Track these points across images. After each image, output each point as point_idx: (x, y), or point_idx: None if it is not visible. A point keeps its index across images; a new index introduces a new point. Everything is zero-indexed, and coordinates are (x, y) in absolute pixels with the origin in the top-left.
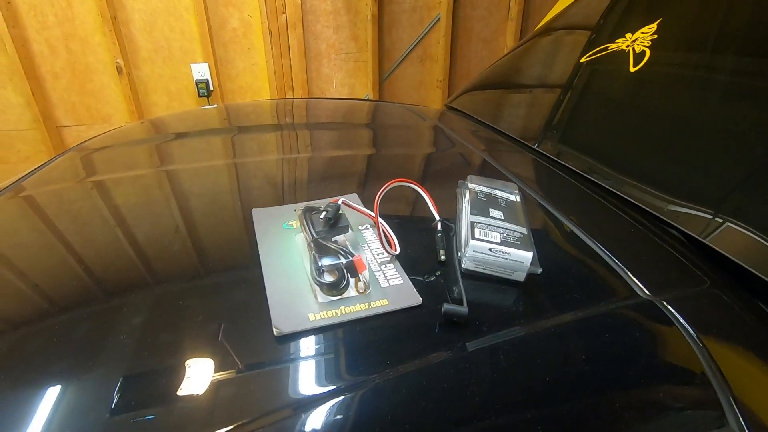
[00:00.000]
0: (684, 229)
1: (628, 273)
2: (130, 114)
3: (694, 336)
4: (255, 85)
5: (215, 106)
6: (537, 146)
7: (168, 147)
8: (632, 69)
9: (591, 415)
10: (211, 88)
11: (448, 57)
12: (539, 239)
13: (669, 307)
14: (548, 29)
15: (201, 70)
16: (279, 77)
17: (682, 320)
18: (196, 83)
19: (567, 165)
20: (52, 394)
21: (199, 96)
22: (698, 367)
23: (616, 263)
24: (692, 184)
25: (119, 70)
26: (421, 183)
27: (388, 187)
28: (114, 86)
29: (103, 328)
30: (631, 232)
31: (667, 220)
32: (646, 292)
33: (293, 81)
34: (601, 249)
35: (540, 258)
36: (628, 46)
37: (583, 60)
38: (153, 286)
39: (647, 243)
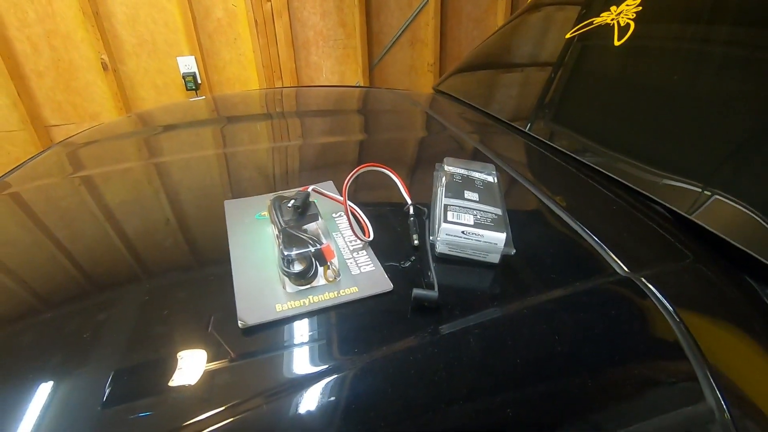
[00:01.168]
0: (669, 205)
1: (608, 251)
2: (117, 110)
3: (672, 311)
4: (243, 76)
5: (203, 98)
6: (520, 126)
7: (146, 140)
8: (617, 43)
9: (567, 394)
10: (199, 81)
11: (438, 39)
12: (516, 220)
13: (647, 283)
14: (536, 5)
15: (187, 63)
16: (267, 67)
17: (660, 296)
18: (183, 76)
19: (549, 143)
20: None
21: (187, 89)
22: (675, 342)
23: (596, 241)
24: (677, 158)
25: (104, 66)
26: (402, 167)
27: (357, 173)
28: (100, 83)
29: (63, 325)
30: (613, 209)
31: (652, 197)
32: (625, 269)
33: (282, 70)
34: (580, 227)
35: (516, 238)
36: (612, 19)
37: (568, 36)
38: (119, 281)
39: (629, 220)
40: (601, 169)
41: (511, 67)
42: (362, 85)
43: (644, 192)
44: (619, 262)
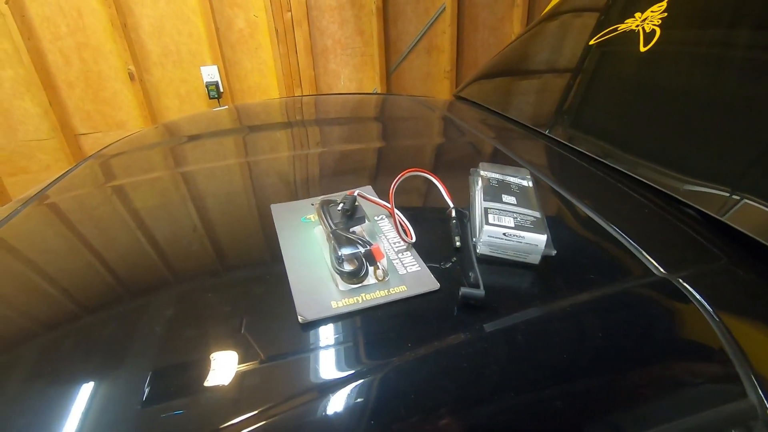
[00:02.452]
0: (700, 208)
1: (643, 252)
2: (143, 119)
3: (712, 312)
4: (263, 84)
5: (226, 107)
6: (548, 132)
7: (184, 150)
8: (642, 49)
9: (610, 394)
10: (221, 90)
11: (454, 46)
12: (553, 222)
13: (685, 284)
14: (555, 13)
15: (210, 73)
16: (287, 75)
17: (698, 297)
18: (206, 85)
19: (579, 149)
20: (88, 388)
21: (210, 98)
22: (716, 343)
23: (631, 243)
24: (707, 162)
25: (131, 77)
26: (436, 172)
27: (403, 177)
28: (127, 92)
29: (134, 324)
30: (645, 212)
31: (683, 200)
32: (662, 270)
33: (301, 78)
34: (615, 230)
35: (554, 241)
36: (637, 26)
37: (592, 42)
38: (182, 282)
39: (662, 222)
40: (631, 174)
41: (534, 74)
42: (379, 91)
43: (674, 195)
44: (654, 263)
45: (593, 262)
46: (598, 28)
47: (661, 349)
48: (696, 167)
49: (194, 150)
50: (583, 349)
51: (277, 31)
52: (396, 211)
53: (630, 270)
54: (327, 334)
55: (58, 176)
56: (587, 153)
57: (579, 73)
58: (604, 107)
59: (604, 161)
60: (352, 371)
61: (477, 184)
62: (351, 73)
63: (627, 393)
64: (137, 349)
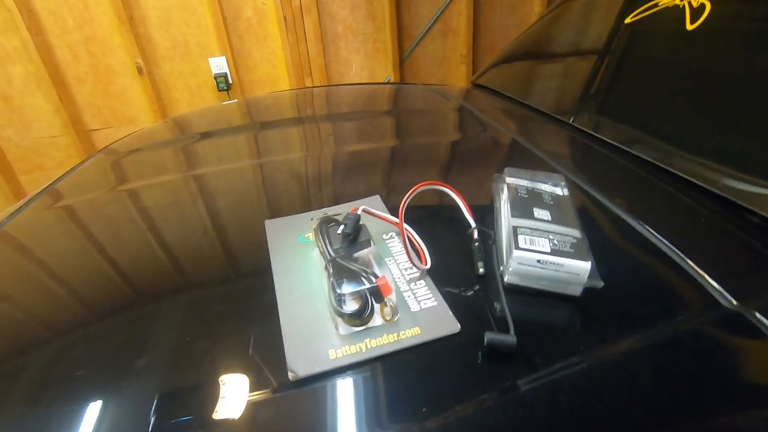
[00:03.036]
0: None
1: (708, 278)
2: (153, 114)
3: None
4: (273, 74)
5: (235, 101)
6: (581, 125)
7: (186, 150)
8: (689, 27)
9: None
10: (230, 82)
11: (471, 29)
12: (593, 240)
13: (763, 318)
14: None
15: (219, 64)
16: (297, 64)
17: None
18: (215, 77)
19: (623, 147)
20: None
21: (219, 90)
22: None
23: (693, 267)
24: None
25: (140, 71)
26: (452, 177)
27: (415, 193)
28: (136, 87)
29: (101, 362)
30: (708, 226)
31: (755, 210)
32: (733, 301)
33: (311, 67)
34: (672, 249)
35: (599, 264)
36: (682, 0)
37: (628, 21)
38: (155, 315)
39: (729, 239)
40: (687, 177)
41: (562, 58)
42: (392, 79)
43: (743, 204)
44: (724, 292)
45: (647, 292)
46: (635, 3)
47: (735, 399)
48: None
49: (195, 151)
50: (640, 406)
51: (285, 18)
52: (408, 230)
53: (694, 302)
54: (322, 394)
55: (63, 173)
56: (633, 152)
57: (617, 57)
58: (651, 97)
59: (655, 162)
60: None
61: (502, 194)
62: (363, 61)
63: None
64: (94, 389)
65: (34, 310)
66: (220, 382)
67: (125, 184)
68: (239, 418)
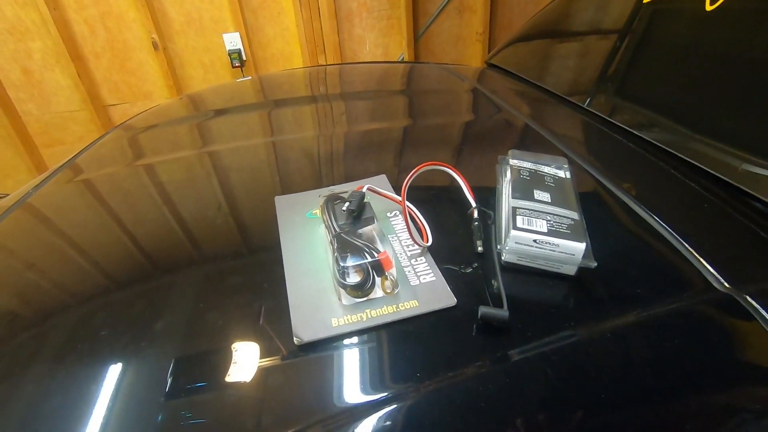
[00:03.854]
0: None
1: (703, 261)
2: (168, 89)
3: None
4: (287, 51)
5: (249, 78)
6: (593, 108)
7: (201, 128)
8: (709, 7)
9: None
10: (244, 58)
11: (488, 6)
12: (593, 222)
13: (753, 302)
14: None
15: (233, 40)
16: (310, 41)
17: None
18: (229, 53)
19: (630, 130)
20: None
21: (233, 67)
22: None
23: (688, 250)
24: None
25: (155, 46)
26: (459, 157)
27: (417, 173)
28: (152, 62)
29: (120, 329)
30: (708, 210)
31: (757, 195)
32: (726, 284)
33: (325, 44)
34: (669, 232)
35: (596, 246)
36: None
37: (646, 0)
38: (170, 285)
39: (728, 223)
40: (694, 162)
41: (578, 38)
42: (406, 58)
43: (748, 190)
44: (717, 275)
45: (641, 273)
46: None
47: (723, 382)
48: None
49: (209, 128)
50: (623, 384)
51: None
52: (411, 208)
53: (687, 284)
54: (325, 358)
55: (82, 149)
56: (639, 134)
57: (631, 38)
58: (662, 80)
59: (660, 144)
60: (353, 405)
61: (505, 176)
62: (377, 38)
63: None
64: (114, 353)
65: (58, 278)
66: (231, 348)
67: (143, 159)
68: (250, 380)
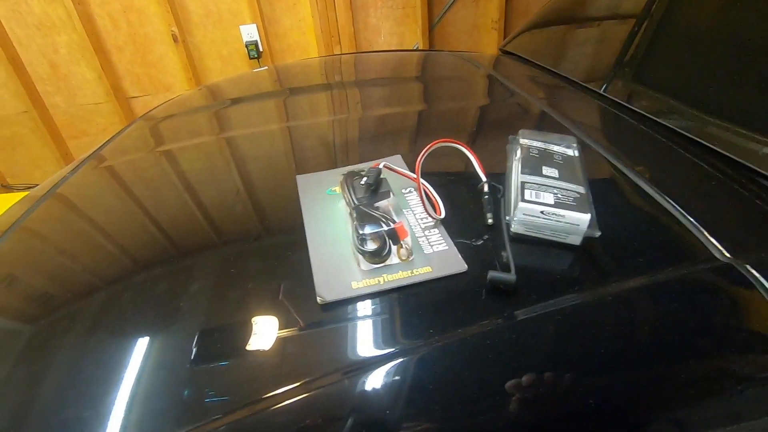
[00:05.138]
0: None
1: (704, 232)
2: (188, 81)
3: None
4: (303, 42)
5: (265, 68)
6: (605, 91)
7: (221, 115)
8: None
9: (652, 393)
10: (261, 50)
11: None
12: (600, 196)
13: (753, 271)
14: None
15: (250, 32)
16: (326, 32)
17: None
18: (246, 45)
19: (636, 110)
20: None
21: (250, 58)
22: None
23: (691, 221)
24: None
25: (175, 39)
26: (472, 139)
27: (431, 149)
28: (171, 55)
29: (158, 295)
30: (712, 184)
31: (760, 170)
32: (726, 254)
33: (340, 35)
34: (672, 205)
35: (601, 217)
36: None
37: None
38: (203, 255)
39: (730, 197)
40: (697, 139)
41: (593, 23)
42: (420, 47)
43: (752, 166)
44: (718, 245)
45: (644, 243)
46: None
47: (723, 347)
48: None
49: (229, 115)
50: (621, 345)
51: None
52: (425, 184)
53: (688, 253)
54: (346, 316)
55: (107, 139)
56: (647, 115)
57: (648, 20)
58: (677, 61)
59: (668, 125)
60: (370, 357)
61: (515, 154)
62: (392, 27)
63: (672, 396)
64: (153, 324)
65: (116, 252)
66: (260, 306)
67: (173, 145)
68: (278, 334)
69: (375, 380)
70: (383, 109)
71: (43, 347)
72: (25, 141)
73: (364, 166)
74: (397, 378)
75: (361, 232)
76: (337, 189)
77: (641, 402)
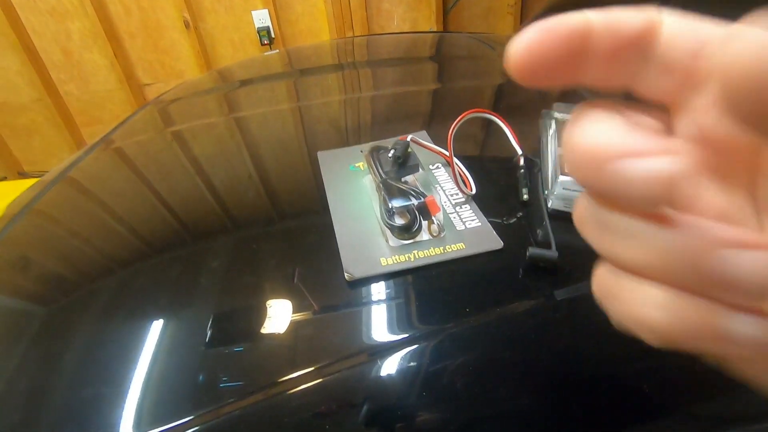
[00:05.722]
0: None
1: None
2: (200, 68)
3: None
4: (315, 27)
5: (276, 51)
6: None
7: (233, 95)
8: None
9: (697, 374)
10: (272, 35)
11: None
12: None
13: None
14: None
15: (261, 17)
16: (338, 17)
17: None
18: (258, 31)
19: None
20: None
21: (262, 44)
22: None
23: None
24: None
25: (186, 25)
26: (501, 115)
27: (463, 119)
28: (183, 42)
29: (182, 273)
30: None
31: None
32: None
33: (353, 20)
34: None
35: None
36: None
37: None
38: (228, 233)
39: None
40: None
41: (612, 4)
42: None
43: None
44: None
45: None
46: None
47: None
48: None
49: (241, 96)
50: None
51: None
52: (455, 158)
53: None
54: (375, 293)
55: (118, 123)
56: None
57: None
58: None
59: None
60: (402, 336)
61: (550, 129)
62: (405, 12)
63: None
64: (184, 300)
65: (143, 233)
66: (289, 282)
67: (191, 123)
68: (305, 311)
69: (406, 360)
70: (403, 87)
71: (57, 328)
72: (40, 129)
73: (389, 141)
74: (433, 359)
75: (389, 205)
76: (361, 165)
77: (700, 383)
